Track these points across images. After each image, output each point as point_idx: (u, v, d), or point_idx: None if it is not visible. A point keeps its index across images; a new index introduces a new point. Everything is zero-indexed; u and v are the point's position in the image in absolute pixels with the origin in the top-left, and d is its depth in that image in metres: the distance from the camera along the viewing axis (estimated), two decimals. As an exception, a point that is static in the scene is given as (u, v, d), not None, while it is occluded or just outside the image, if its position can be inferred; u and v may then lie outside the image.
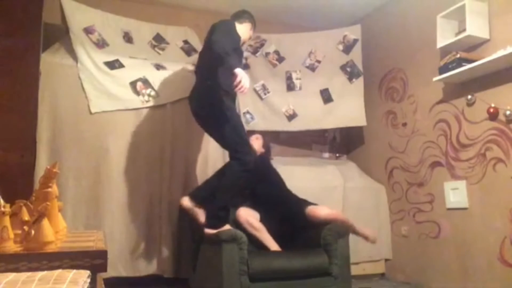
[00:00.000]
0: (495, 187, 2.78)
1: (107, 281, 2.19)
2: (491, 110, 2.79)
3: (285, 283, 2.43)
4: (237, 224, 2.72)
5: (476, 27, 2.84)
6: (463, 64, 2.85)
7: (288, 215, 2.84)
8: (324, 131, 4.21)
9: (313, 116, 3.85)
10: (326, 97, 3.90)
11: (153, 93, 3.13)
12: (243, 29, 2.96)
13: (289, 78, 3.94)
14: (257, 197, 2.93)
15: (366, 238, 2.84)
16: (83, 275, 0.95)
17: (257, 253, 2.49)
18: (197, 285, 2.73)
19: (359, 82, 3.91)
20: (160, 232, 3.02)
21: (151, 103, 3.12)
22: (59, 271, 0.97)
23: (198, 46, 3.77)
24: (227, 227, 2.52)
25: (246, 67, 3.98)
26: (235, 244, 2.33)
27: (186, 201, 2.68)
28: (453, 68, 2.91)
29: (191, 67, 3.44)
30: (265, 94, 3.88)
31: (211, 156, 3.24)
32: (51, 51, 3.04)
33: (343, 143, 4.37)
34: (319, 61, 3.98)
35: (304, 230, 2.82)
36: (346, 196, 3.57)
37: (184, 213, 3.05)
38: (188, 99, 2.87)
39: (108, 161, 2.95)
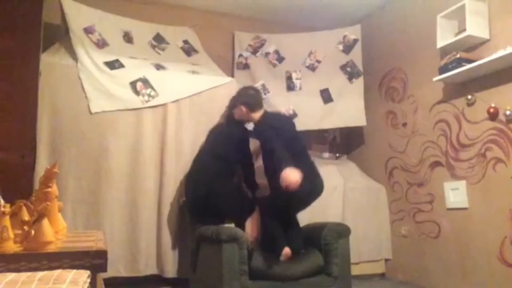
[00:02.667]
0: (495, 187, 2.78)
1: (107, 281, 2.19)
2: (491, 110, 2.79)
3: (285, 283, 2.43)
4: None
5: (476, 27, 2.84)
6: (463, 64, 2.85)
7: None
8: (324, 131, 4.21)
9: (313, 116, 3.85)
10: (326, 97, 3.90)
11: (153, 93, 3.13)
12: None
13: (289, 78, 3.94)
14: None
15: None
16: (83, 275, 0.95)
17: (259, 253, 2.48)
18: (197, 285, 2.73)
19: (359, 82, 3.91)
20: (160, 232, 3.02)
21: (151, 103, 3.11)
22: (59, 271, 0.97)
23: (198, 46, 3.77)
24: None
25: (246, 67, 3.98)
26: (235, 243, 2.32)
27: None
28: (453, 68, 2.91)
29: (190, 67, 3.45)
30: (265, 94, 3.88)
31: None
32: (51, 51, 3.03)
33: (343, 143, 4.37)
34: (319, 61, 3.98)
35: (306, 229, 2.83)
36: (346, 196, 3.57)
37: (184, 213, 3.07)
38: None
39: (108, 161, 2.95)
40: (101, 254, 1.24)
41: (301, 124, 3.84)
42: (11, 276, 0.92)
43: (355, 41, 3.97)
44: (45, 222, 1.26)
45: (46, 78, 2.81)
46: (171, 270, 2.98)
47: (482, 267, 2.84)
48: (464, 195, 3.00)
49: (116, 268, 2.85)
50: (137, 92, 3.10)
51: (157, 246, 3.00)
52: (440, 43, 3.08)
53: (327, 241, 2.60)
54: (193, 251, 2.73)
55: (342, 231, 2.64)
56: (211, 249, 2.47)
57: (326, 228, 2.65)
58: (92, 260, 1.21)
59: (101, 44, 3.26)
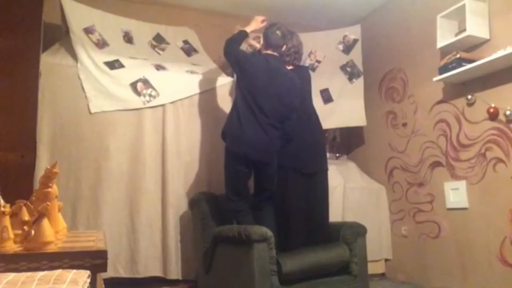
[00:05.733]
0: (495, 187, 2.78)
1: (107, 281, 2.20)
2: (491, 110, 2.79)
3: (309, 282, 2.45)
4: None
5: (476, 27, 2.84)
6: (463, 64, 2.85)
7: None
8: (324, 131, 4.20)
9: (313, 116, 3.84)
10: (326, 97, 3.90)
11: (154, 93, 3.13)
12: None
13: (289, 78, 3.94)
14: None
15: None
16: (83, 275, 0.95)
17: (284, 253, 2.47)
18: (211, 287, 2.72)
19: (359, 82, 3.91)
20: (161, 233, 3.01)
21: (152, 103, 3.11)
22: (59, 271, 0.97)
23: (198, 46, 3.77)
24: None
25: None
26: (265, 243, 2.29)
27: None
28: (453, 68, 2.91)
29: (191, 67, 3.44)
30: (265, 94, 3.88)
31: (211, 156, 3.24)
32: (51, 51, 3.03)
33: (343, 143, 4.37)
34: (319, 61, 3.98)
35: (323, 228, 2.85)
36: (346, 196, 3.57)
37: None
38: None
39: (108, 161, 2.95)
40: (101, 254, 1.24)
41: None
42: (11, 276, 0.92)
43: (355, 41, 3.97)
44: (45, 222, 1.26)
45: (46, 78, 2.81)
46: (174, 271, 2.97)
47: (482, 267, 2.84)
48: (464, 195, 3.00)
49: (116, 269, 2.84)
50: (138, 93, 3.10)
51: (158, 247, 2.99)
52: (440, 43, 3.08)
53: (346, 239, 2.64)
54: (207, 251, 2.70)
55: (360, 230, 2.70)
56: (235, 249, 2.44)
57: (344, 228, 2.69)
58: (92, 260, 1.21)
59: (101, 44, 3.25)
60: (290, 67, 2.96)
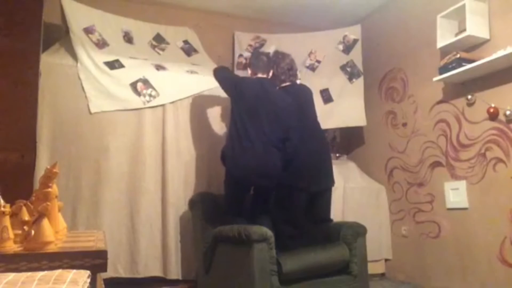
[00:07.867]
0: (495, 187, 2.78)
1: (107, 281, 2.20)
2: (491, 110, 2.79)
3: (309, 282, 2.45)
4: None
5: (476, 27, 2.84)
6: (463, 64, 2.85)
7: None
8: (324, 131, 4.20)
9: (313, 116, 3.84)
10: (326, 97, 3.90)
11: (154, 93, 3.13)
12: None
13: (289, 78, 3.94)
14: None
15: None
16: (83, 275, 0.95)
17: (284, 253, 2.47)
18: (211, 287, 2.71)
19: (359, 82, 3.91)
20: (161, 233, 3.01)
21: (152, 103, 3.11)
22: (59, 271, 0.97)
23: (198, 46, 3.77)
24: None
25: (246, 67, 3.98)
26: (265, 243, 2.29)
27: None
28: (453, 68, 2.91)
29: (190, 67, 3.44)
30: (265, 94, 3.87)
31: (210, 156, 3.25)
32: (51, 51, 3.03)
33: (343, 143, 4.37)
34: (319, 61, 3.98)
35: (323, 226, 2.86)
36: (346, 196, 3.57)
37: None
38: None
39: (108, 161, 2.95)
40: (101, 254, 1.24)
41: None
42: (11, 276, 0.92)
43: (355, 41, 3.97)
44: (45, 222, 1.26)
45: (46, 78, 2.81)
46: (174, 271, 2.97)
47: (482, 267, 2.84)
48: (464, 195, 3.00)
49: (116, 269, 2.84)
50: (138, 93, 3.10)
51: (158, 247, 2.99)
52: (440, 43, 3.08)
53: (347, 239, 2.64)
54: (207, 251, 2.70)
55: (360, 230, 2.71)
56: (234, 249, 2.44)
57: (344, 228, 2.70)
58: (92, 260, 1.21)
59: (101, 44, 3.26)
60: (286, 84, 2.99)
